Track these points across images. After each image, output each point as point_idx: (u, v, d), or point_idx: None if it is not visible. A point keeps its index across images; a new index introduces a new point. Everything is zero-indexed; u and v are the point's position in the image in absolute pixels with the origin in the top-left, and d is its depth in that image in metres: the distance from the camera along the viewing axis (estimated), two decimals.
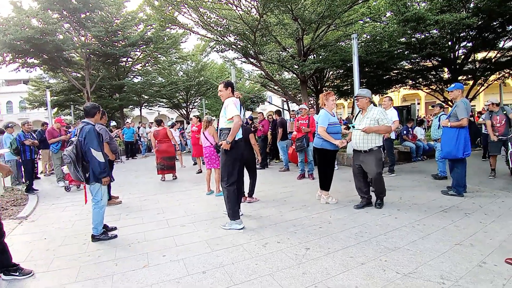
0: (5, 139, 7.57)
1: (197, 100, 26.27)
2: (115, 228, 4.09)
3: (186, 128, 13.59)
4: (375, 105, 4.80)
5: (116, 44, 17.53)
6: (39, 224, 4.63)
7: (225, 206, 3.98)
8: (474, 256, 2.85)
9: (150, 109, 28.12)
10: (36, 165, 8.52)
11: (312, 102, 16.58)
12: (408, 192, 5.32)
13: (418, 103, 28.50)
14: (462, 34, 11.31)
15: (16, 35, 13.28)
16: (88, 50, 16.82)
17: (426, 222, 3.81)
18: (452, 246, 3.07)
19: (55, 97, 20.53)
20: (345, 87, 16.38)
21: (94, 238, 3.72)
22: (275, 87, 14.87)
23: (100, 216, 3.75)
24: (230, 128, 3.79)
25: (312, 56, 12.51)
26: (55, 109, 22.10)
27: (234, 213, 3.88)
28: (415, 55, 12.24)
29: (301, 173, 7.05)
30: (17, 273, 2.83)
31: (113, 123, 13.48)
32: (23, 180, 7.40)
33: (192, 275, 2.74)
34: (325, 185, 4.88)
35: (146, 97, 22.66)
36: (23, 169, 7.37)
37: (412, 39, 11.44)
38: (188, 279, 2.67)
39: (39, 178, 8.99)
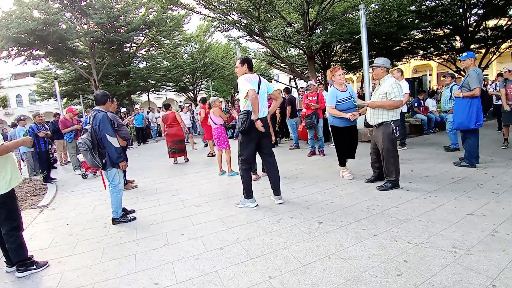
0: (18, 132, 7.78)
1: (203, 82, 26.15)
2: (133, 211, 4.24)
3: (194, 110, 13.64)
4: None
5: (118, 30, 17.40)
6: (60, 211, 4.83)
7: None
8: (486, 225, 2.86)
9: (157, 94, 28.21)
10: (52, 155, 8.78)
11: (320, 78, 16.30)
12: (419, 164, 5.31)
13: (430, 74, 27.71)
14: (472, 1, 10.82)
15: (20, 28, 13.23)
16: (91, 38, 16.74)
17: (438, 193, 3.82)
18: (464, 216, 3.09)
19: (64, 88, 20.73)
20: (354, 61, 16.01)
21: (115, 221, 3.88)
22: (282, 65, 14.64)
23: (119, 199, 3.89)
24: (247, 112, 3.67)
25: (319, 30, 12.17)
26: (65, 100, 22.39)
27: (248, 192, 3.95)
28: (425, 23, 11.80)
29: (312, 150, 7.08)
30: (34, 267, 2.86)
31: (123, 109, 13.61)
32: (40, 170, 7.65)
33: (210, 251, 2.86)
34: (339, 160, 4.95)
35: (152, 82, 22.68)
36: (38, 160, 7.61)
37: (422, 7, 11.00)
38: (206, 255, 2.80)
39: (56, 167, 9.26)
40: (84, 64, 19.71)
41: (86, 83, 20.60)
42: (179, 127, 7.82)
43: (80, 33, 16.45)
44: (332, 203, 3.84)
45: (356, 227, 3.07)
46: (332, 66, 16.42)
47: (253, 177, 5.57)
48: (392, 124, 4.05)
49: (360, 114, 4.61)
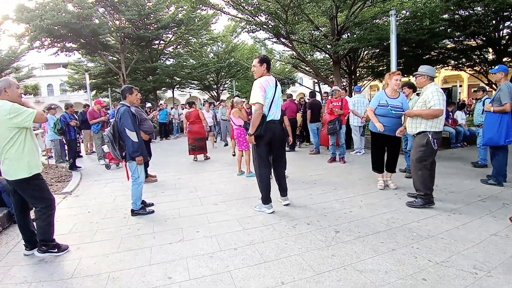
0: (49, 120, 8.15)
1: (227, 81, 26.41)
2: (152, 204, 4.34)
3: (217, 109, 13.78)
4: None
5: (148, 27, 17.86)
6: (82, 198, 5.02)
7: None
8: (509, 247, 2.73)
9: (182, 91, 28.72)
10: (78, 144, 9.15)
11: (344, 83, 16.04)
12: (445, 179, 5.10)
13: (460, 85, 26.62)
14: (506, 13, 10.29)
15: (53, 20, 13.70)
16: (122, 34, 17.28)
17: (462, 211, 3.66)
18: (487, 237, 2.95)
19: (93, 80, 21.53)
20: (381, 68, 15.62)
21: (134, 212, 3.99)
22: (307, 68, 14.52)
23: (138, 192, 3.99)
24: (262, 116, 3.62)
25: (346, 35, 11.99)
26: (94, 92, 23.25)
27: (265, 198, 3.90)
28: (458, 33, 11.34)
29: (332, 156, 6.96)
30: (55, 250, 2.96)
31: (148, 104, 13.97)
32: (67, 158, 7.97)
33: (224, 251, 2.88)
34: (372, 166, 4.84)
35: (178, 79, 23.12)
36: (66, 148, 7.94)
37: (456, 16, 10.58)
38: (220, 254, 2.81)
39: (81, 156, 9.63)
40: (114, 58, 20.39)
41: (115, 77, 21.31)
42: (201, 125, 7.93)
43: (112, 29, 17.02)
44: (350, 212, 3.76)
45: (374, 239, 2.99)
46: (358, 71, 16.21)
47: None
48: (430, 136, 3.73)
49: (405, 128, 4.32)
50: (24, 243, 3.02)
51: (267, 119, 3.68)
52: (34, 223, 3.04)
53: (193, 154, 7.94)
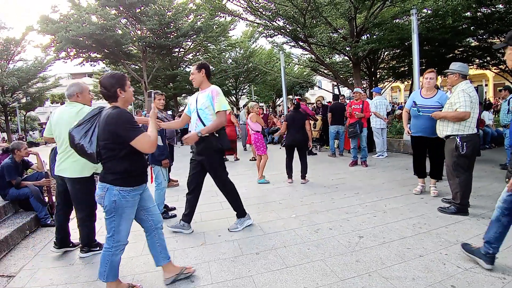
0: None
1: (246, 86, 26.61)
2: (174, 208, 4.42)
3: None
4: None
5: (169, 35, 18.35)
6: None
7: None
8: None
9: None
10: None
11: (365, 85, 15.77)
12: (473, 183, 4.85)
13: (486, 85, 25.54)
14: None
15: (78, 31, 14.33)
16: (144, 43, 17.85)
17: (491, 215, 3.46)
18: None
19: None
20: (402, 68, 15.25)
21: None
22: (326, 71, 14.42)
23: (161, 197, 4.07)
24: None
25: (366, 37, 11.82)
26: None
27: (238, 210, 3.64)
28: (481, 31, 10.91)
29: (354, 160, 6.84)
30: (97, 248, 3.09)
31: (169, 112, 14.30)
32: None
33: (246, 255, 2.88)
34: (413, 170, 4.57)
35: None
36: None
37: (478, 14, 10.20)
38: (242, 259, 2.82)
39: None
40: (136, 67, 21.07)
41: (137, 85, 21.95)
42: (233, 128, 8.26)
43: (134, 38, 17.63)
44: (374, 217, 3.67)
45: (400, 245, 2.90)
46: (378, 73, 15.90)
47: (288, 180, 5.58)
48: (458, 139, 3.53)
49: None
50: (55, 241, 3.16)
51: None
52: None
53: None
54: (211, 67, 19.59)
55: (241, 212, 3.62)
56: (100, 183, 2.18)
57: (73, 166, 2.91)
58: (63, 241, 3.14)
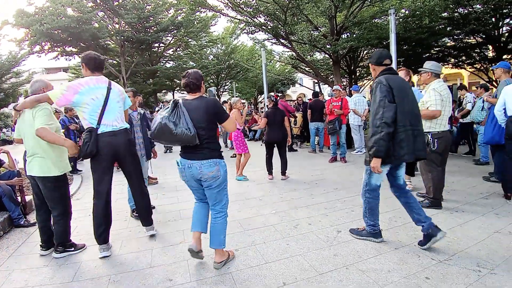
0: None
1: (227, 83, 26.42)
2: (153, 207, 4.31)
3: None
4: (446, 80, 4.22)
5: (148, 30, 17.89)
6: (83, 201, 5.01)
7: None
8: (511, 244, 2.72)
9: (182, 93, 28.71)
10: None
11: (345, 83, 16.02)
12: (447, 177, 5.00)
13: (461, 83, 26.56)
14: (505, 11, 10.28)
15: (53, 24, 13.70)
16: (122, 37, 17.30)
17: (465, 208, 3.64)
18: (490, 234, 2.94)
19: None
20: None
21: (134, 213, 3.98)
22: (307, 69, 14.52)
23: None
24: (90, 130, 2.88)
25: (346, 35, 12.00)
26: None
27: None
28: (458, 31, 11.33)
29: (333, 156, 6.95)
30: (72, 249, 3.04)
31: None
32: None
33: None
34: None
35: (178, 81, 23.15)
36: None
37: (455, 14, 10.57)
38: None
39: (82, 160, 9.58)
40: (114, 62, 20.44)
41: (115, 80, 21.25)
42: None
43: (112, 32, 17.05)
44: (352, 212, 3.74)
45: None
46: (358, 71, 16.18)
47: (268, 177, 5.60)
48: (429, 136, 3.63)
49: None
50: (41, 243, 3.08)
51: (99, 132, 2.89)
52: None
53: None
54: (191, 63, 19.25)
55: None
56: (207, 160, 2.46)
57: (40, 165, 2.84)
58: (48, 241, 3.07)
